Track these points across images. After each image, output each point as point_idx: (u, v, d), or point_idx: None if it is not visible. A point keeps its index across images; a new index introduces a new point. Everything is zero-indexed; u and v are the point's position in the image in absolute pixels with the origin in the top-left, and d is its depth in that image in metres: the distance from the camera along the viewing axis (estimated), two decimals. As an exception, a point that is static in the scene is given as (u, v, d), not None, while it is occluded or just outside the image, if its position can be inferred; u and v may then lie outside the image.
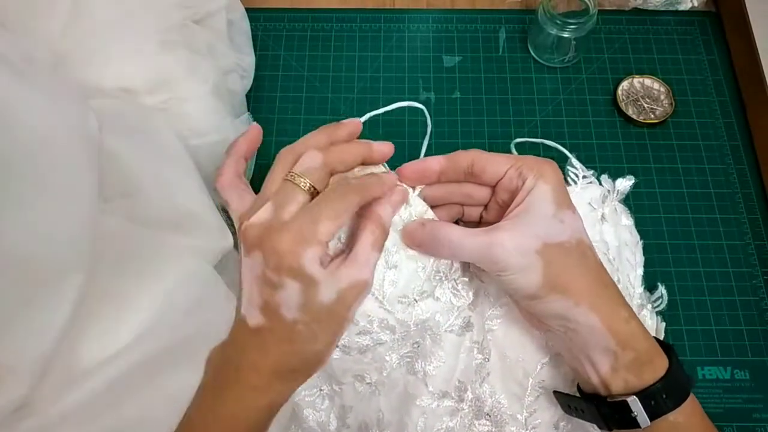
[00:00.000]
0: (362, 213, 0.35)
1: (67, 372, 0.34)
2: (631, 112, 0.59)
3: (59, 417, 0.32)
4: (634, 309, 0.42)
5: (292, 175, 0.33)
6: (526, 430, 0.39)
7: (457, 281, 0.39)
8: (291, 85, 0.62)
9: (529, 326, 0.39)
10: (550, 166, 0.36)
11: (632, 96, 0.60)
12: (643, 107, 0.59)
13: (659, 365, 0.33)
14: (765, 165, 0.56)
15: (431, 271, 0.38)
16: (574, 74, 0.62)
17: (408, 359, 0.40)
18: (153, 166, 0.42)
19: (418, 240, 0.37)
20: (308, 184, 0.33)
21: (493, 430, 0.39)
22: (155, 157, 0.43)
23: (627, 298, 0.41)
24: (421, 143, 0.50)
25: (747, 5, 0.60)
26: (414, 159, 0.41)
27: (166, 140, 0.46)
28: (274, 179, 0.34)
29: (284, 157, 0.35)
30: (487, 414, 0.39)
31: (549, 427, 0.40)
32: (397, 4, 0.67)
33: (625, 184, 0.43)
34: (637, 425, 0.32)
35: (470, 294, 0.39)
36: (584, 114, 0.60)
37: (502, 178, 0.37)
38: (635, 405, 0.32)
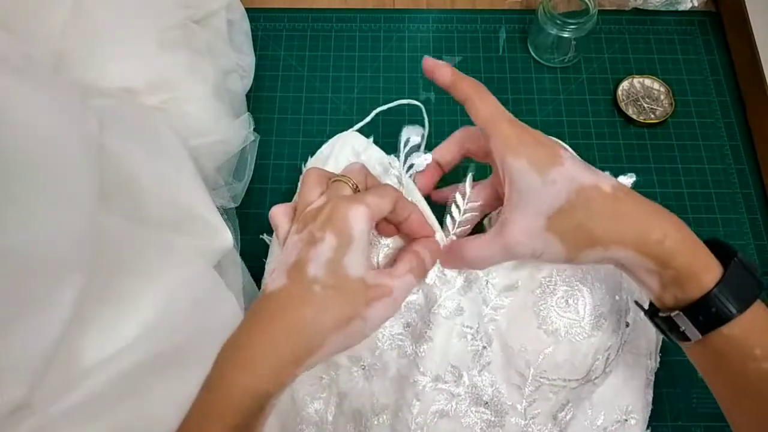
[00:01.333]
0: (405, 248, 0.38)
1: (67, 372, 0.34)
2: (631, 112, 0.59)
3: (59, 417, 0.32)
4: (634, 305, 0.42)
5: (338, 177, 0.36)
6: (525, 419, 0.40)
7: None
8: (291, 85, 0.62)
9: (534, 317, 0.39)
10: (507, 132, 0.35)
11: (632, 96, 0.60)
12: (643, 107, 0.59)
13: (708, 278, 0.31)
14: (765, 165, 0.56)
15: None
16: (574, 74, 0.62)
17: (400, 341, 0.40)
18: (153, 166, 0.42)
19: (456, 265, 0.39)
20: (352, 182, 0.36)
21: (492, 418, 0.40)
22: (155, 157, 0.43)
23: (628, 292, 0.41)
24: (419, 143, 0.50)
25: (747, 5, 0.60)
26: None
27: (166, 140, 0.46)
28: (310, 188, 0.36)
29: (315, 171, 0.38)
30: (486, 403, 0.40)
31: (548, 418, 0.40)
32: (397, 4, 0.67)
33: (626, 181, 0.43)
34: (690, 339, 0.32)
35: (459, 279, 0.40)
36: (584, 114, 0.60)
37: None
38: (680, 320, 0.32)
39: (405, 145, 0.43)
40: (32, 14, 0.44)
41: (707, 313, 0.31)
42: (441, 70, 0.39)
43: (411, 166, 0.43)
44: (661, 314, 0.34)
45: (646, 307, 0.36)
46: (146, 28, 0.49)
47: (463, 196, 0.39)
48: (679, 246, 0.32)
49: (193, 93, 0.50)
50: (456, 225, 0.39)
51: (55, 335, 0.32)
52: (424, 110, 0.45)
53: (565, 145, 0.37)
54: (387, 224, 0.38)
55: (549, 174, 0.33)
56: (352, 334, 0.32)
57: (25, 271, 0.31)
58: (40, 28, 0.44)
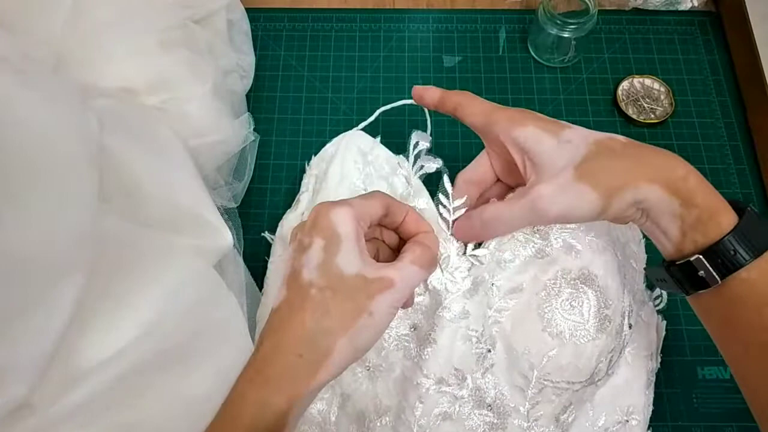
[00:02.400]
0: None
1: (67, 372, 0.34)
2: (631, 112, 0.59)
3: (59, 417, 0.32)
4: (636, 306, 0.42)
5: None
6: (528, 421, 0.40)
7: (453, 270, 0.40)
8: (291, 85, 0.62)
9: (538, 319, 0.39)
10: (508, 113, 0.36)
11: (632, 96, 0.60)
12: (643, 107, 0.59)
13: (725, 221, 0.32)
14: (765, 165, 0.56)
15: None
16: (574, 74, 0.62)
17: (406, 342, 0.40)
18: (153, 166, 0.42)
19: (473, 232, 0.38)
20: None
21: (495, 420, 0.40)
22: (155, 157, 0.43)
23: (631, 294, 0.41)
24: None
25: (747, 5, 0.60)
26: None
27: (166, 140, 0.46)
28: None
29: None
30: (489, 405, 0.40)
31: (550, 420, 0.40)
32: (397, 4, 0.67)
33: None
34: (708, 285, 0.32)
35: (467, 281, 0.40)
36: (584, 114, 0.60)
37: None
38: (699, 263, 0.32)
39: (414, 148, 0.43)
40: (32, 14, 0.44)
41: (726, 255, 0.31)
42: (429, 92, 0.40)
43: (421, 168, 0.43)
44: (678, 261, 0.33)
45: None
46: (146, 28, 0.49)
47: (447, 195, 0.39)
48: (700, 184, 0.33)
49: (193, 93, 0.50)
50: (451, 225, 0.39)
51: (55, 335, 0.32)
52: (426, 110, 0.45)
53: None
54: (388, 231, 0.38)
55: (562, 135, 0.35)
56: (362, 331, 0.32)
57: (25, 271, 0.31)
58: (40, 28, 0.44)
